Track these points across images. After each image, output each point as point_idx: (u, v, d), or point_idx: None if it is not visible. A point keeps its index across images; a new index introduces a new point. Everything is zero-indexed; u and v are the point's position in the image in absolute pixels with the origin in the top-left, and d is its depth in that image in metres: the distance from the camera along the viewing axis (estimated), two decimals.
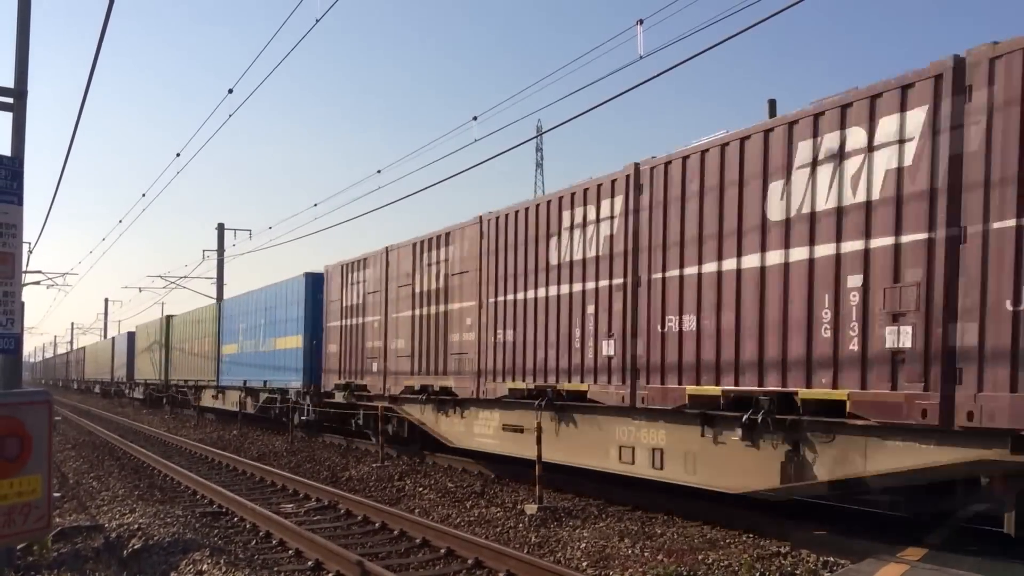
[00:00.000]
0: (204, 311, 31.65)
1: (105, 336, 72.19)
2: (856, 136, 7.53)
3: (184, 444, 20.78)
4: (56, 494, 11.75)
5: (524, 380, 12.09)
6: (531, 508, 10.66)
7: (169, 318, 37.07)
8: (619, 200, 10.39)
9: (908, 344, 6.96)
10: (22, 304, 7.92)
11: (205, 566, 7.83)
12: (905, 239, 7.07)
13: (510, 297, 12.50)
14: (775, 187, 8.30)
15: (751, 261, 8.54)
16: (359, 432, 18.67)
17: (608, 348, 10.47)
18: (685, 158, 9.44)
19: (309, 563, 8.38)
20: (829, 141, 7.75)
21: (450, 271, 14.20)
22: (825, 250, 7.73)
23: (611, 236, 10.50)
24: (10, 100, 8.34)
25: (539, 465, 11.05)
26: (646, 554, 8.35)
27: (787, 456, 8.14)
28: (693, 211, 9.29)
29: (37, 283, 46.75)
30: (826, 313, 7.68)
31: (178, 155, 18.87)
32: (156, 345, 38.76)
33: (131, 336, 46.00)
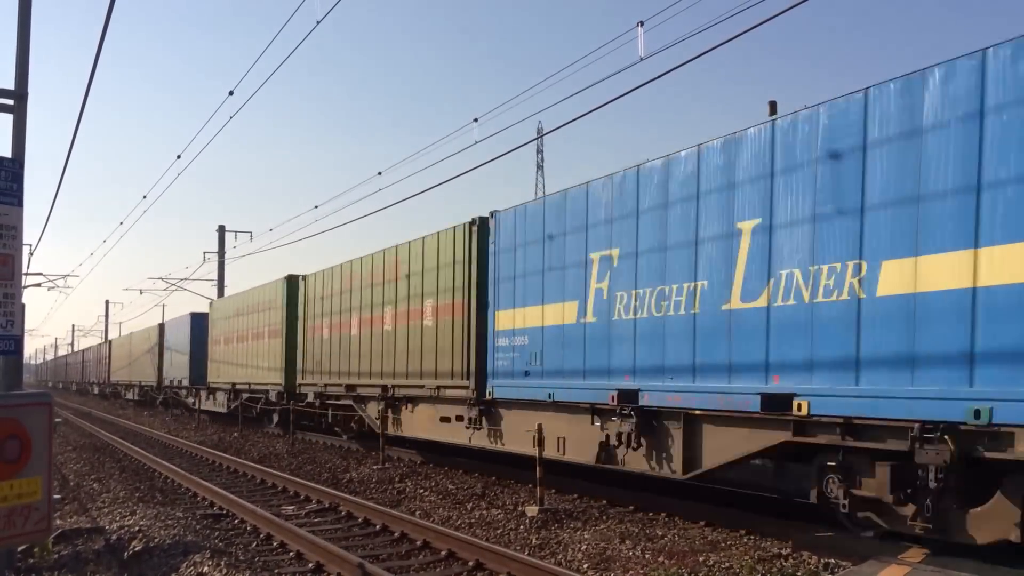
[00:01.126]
0: (424, 245, 15.27)
1: (106, 337, 70.63)
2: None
3: (185, 446, 20.78)
4: (56, 496, 11.75)
5: None
6: (532, 510, 10.64)
7: (293, 279, 22.22)
8: None
9: None
10: (23, 306, 7.92)
11: (206, 568, 7.82)
12: None
13: None
14: None
15: None
16: None
17: None
18: None
19: (310, 565, 8.37)
20: None
21: None
22: None
23: None
24: (10, 102, 8.35)
25: (540, 467, 11.04)
26: (647, 556, 8.34)
27: None
28: None
29: (38, 285, 46.91)
30: None
31: (179, 157, 18.88)
32: (266, 328, 23.80)
33: (197, 321, 32.08)
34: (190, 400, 33.24)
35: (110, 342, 56.31)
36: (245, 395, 25.97)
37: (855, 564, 7.28)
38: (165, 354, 37.06)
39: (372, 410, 17.35)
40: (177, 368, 34.37)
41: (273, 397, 23.26)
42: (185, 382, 32.89)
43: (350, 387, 18.25)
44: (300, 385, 21.42)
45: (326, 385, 19.63)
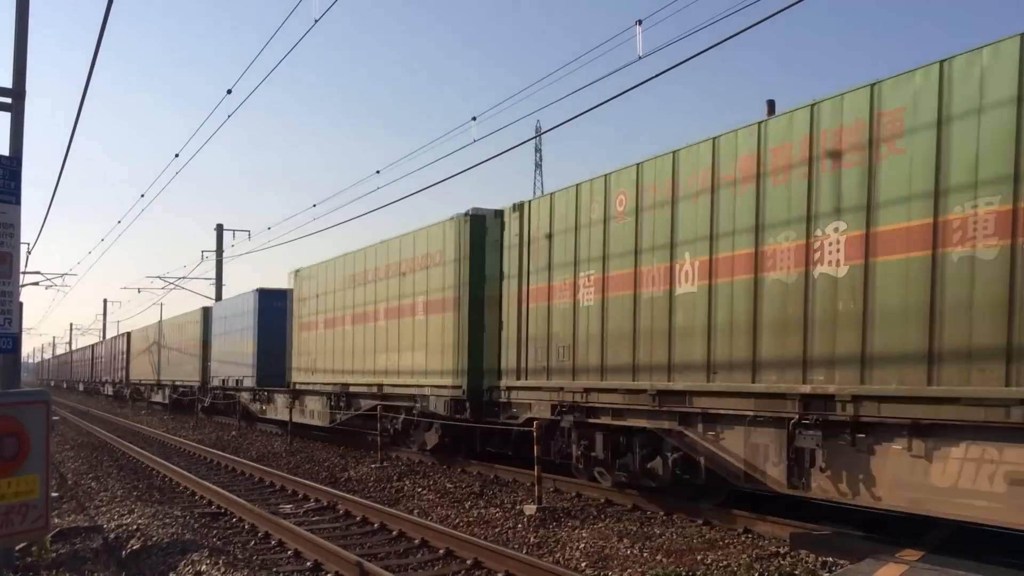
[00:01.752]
0: (927, 79, 7.00)
1: (103, 336, 70.06)
2: None
3: (183, 445, 20.77)
4: (54, 494, 11.76)
5: None
6: (530, 509, 10.65)
7: (479, 219, 13.86)
8: None
9: None
10: (20, 304, 7.92)
11: (204, 567, 7.82)
12: None
13: None
14: None
15: None
16: None
17: None
18: None
19: (308, 563, 8.38)
20: None
21: None
22: None
23: None
24: (9, 100, 8.35)
25: (538, 467, 11.05)
26: (645, 554, 8.35)
27: None
28: None
29: (36, 284, 46.74)
30: None
31: (177, 155, 18.85)
32: (418, 300, 15.38)
33: (268, 300, 24.25)
34: (257, 406, 24.76)
35: (128, 334, 46.75)
36: (370, 403, 17.20)
37: (852, 562, 7.30)
38: (213, 346, 29.08)
39: (737, 442, 8.83)
40: (231, 364, 26.31)
41: (439, 407, 14.64)
42: (248, 382, 24.70)
43: (666, 396, 9.77)
44: (510, 389, 12.92)
45: (588, 391, 11.11)
